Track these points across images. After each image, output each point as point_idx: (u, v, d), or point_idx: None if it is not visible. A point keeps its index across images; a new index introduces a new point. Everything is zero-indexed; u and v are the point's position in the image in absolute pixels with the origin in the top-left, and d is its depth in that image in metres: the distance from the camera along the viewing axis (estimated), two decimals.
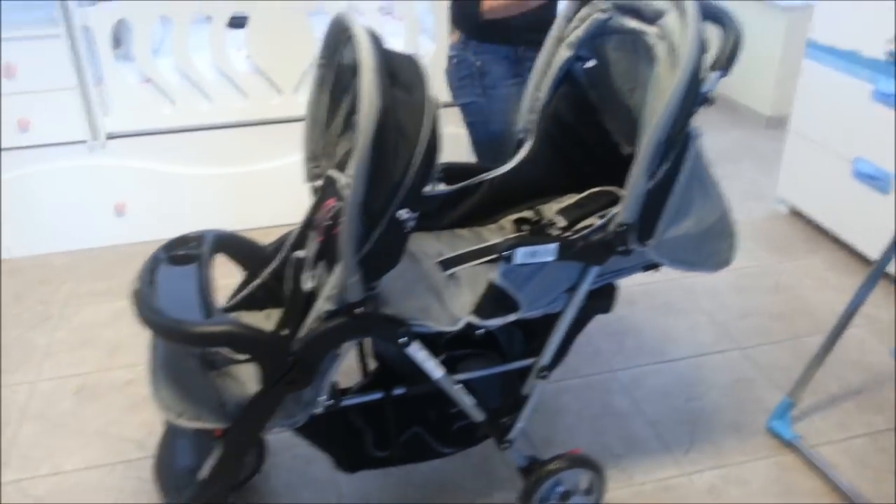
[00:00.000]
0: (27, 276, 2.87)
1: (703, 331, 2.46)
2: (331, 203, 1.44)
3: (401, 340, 1.39)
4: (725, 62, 1.35)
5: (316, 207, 1.54)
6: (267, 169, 3.02)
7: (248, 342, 1.35)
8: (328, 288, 1.32)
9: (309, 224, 1.55)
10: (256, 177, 3.03)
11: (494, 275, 1.41)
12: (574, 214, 1.60)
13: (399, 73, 1.30)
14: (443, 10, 2.65)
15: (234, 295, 1.65)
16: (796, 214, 3.16)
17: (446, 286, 1.51)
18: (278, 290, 1.61)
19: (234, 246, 1.64)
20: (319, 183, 1.54)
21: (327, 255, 1.40)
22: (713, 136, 3.97)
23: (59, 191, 2.90)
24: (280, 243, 1.63)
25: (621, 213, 1.39)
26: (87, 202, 2.94)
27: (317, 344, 1.34)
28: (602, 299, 1.60)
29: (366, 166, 1.18)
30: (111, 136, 2.85)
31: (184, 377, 1.44)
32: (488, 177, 1.71)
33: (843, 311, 1.86)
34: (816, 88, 2.90)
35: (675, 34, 1.31)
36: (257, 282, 1.63)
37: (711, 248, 1.52)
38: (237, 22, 2.79)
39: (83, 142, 2.82)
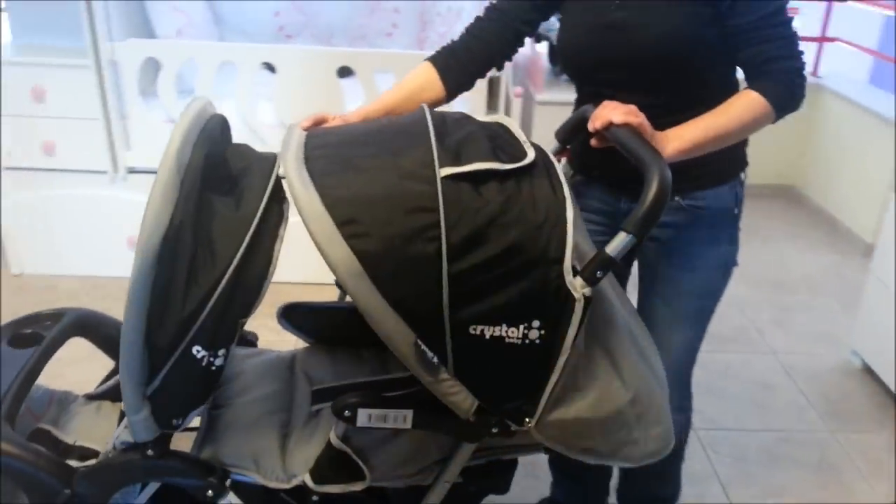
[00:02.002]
0: (31, 296, 2.87)
1: None
2: None
3: (208, 494, 1.15)
4: (637, 225, 1.01)
5: None
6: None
7: (16, 469, 1.12)
8: (128, 414, 1.10)
9: None
10: None
11: (333, 434, 1.15)
12: None
13: (235, 178, 1.08)
14: None
15: (103, 382, 1.46)
16: (869, 373, 2.63)
17: (303, 428, 1.26)
18: None
19: (97, 329, 1.42)
20: None
21: None
22: (803, 257, 3.50)
23: (77, 217, 2.88)
24: None
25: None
26: (102, 232, 2.91)
27: (98, 480, 1.14)
28: (491, 478, 1.29)
29: (143, 292, 0.98)
30: (132, 171, 2.81)
31: None
32: None
33: None
34: None
35: None
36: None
37: (626, 436, 1.13)
38: (345, 71, 2.69)
39: (104, 172, 2.80)
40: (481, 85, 2.69)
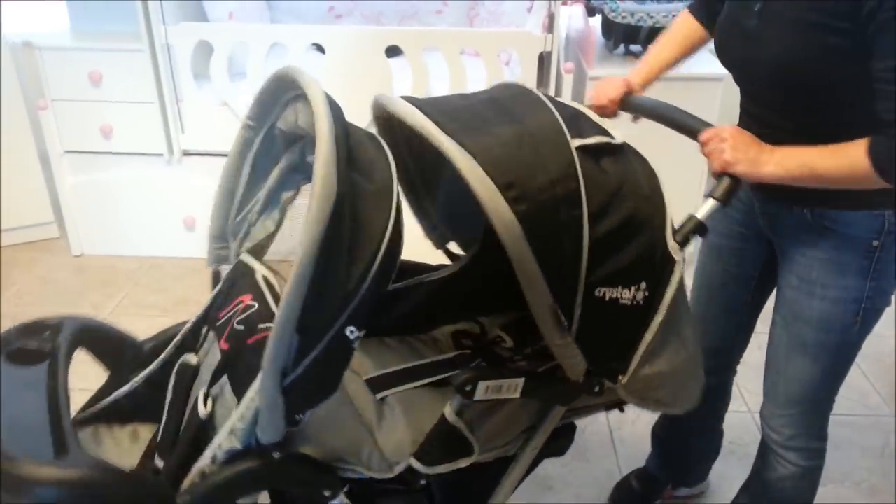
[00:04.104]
0: (92, 275, 2.96)
1: None
2: (244, 300, 1.20)
3: (326, 494, 1.13)
4: (722, 191, 1.16)
5: (221, 300, 1.29)
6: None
7: (115, 496, 0.99)
8: (234, 418, 1.06)
9: (208, 320, 1.29)
10: None
11: (449, 409, 1.15)
12: (520, 332, 1.34)
13: (358, 152, 1.04)
14: None
15: (92, 402, 1.29)
16: None
17: (379, 416, 1.25)
18: (152, 400, 1.28)
19: (99, 339, 1.27)
20: (226, 268, 1.33)
21: (233, 370, 1.14)
22: None
23: (135, 198, 2.95)
24: (163, 340, 1.32)
25: None
26: (160, 213, 2.97)
27: (216, 498, 1.06)
28: (558, 440, 1.30)
29: (310, 271, 0.91)
30: (187, 153, 2.86)
31: None
32: (426, 279, 1.43)
33: None
34: None
35: None
36: (126, 388, 1.28)
37: (683, 389, 1.22)
38: (393, 51, 2.67)
39: (160, 155, 2.85)
40: (532, 59, 2.65)
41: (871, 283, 1.29)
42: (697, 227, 1.14)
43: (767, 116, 1.27)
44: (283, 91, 1.18)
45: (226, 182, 1.28)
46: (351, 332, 0.98)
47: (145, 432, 1.28)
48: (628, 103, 1.44)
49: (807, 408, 1.44)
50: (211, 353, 1.22)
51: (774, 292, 1.46)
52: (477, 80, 2.66)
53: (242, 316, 1.17)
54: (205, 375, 1.21)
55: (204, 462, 1.08)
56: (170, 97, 2.73)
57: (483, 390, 1.11)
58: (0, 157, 2.91)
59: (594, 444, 2.14)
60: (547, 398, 1.21)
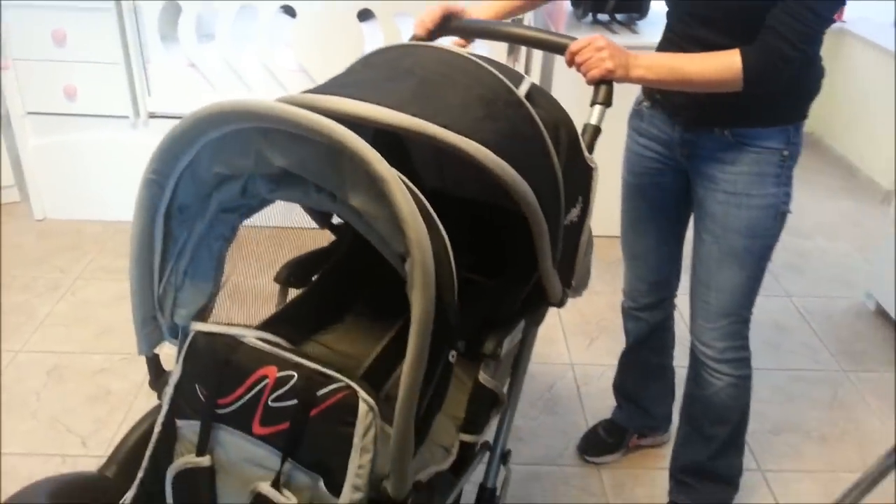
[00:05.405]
0: (57, 240, 2.92)
1: None
2: (268, 373, 1.05)
3: None
4: (603, 95, 1.30)
5: (213, 385, 1.09)
6: None
7: None
8: (346, 493, 0.98)
9: (214, 415, 1.09)
10: None
11: (483, 374, 1.20)
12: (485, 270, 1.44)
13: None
14: None
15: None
16: (883, 316, 2.67)
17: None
18: None
19: (75, 495, 1.12)
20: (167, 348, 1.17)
21: (300, 448, 1.03)
22: (820, 205, 3.50)
23: (100, 161, 2.91)
24: (124, 458, 1.17)
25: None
26: (126, 176, 2.87)
27: None
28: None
29: (430, 328, 0.89)
30: (153, 116, 2.83)
31: None
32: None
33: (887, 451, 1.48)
34: None
35: None
36: None
37: (590, 273, 1.39)
38: (365, 14, 2.69)
39: (126, 117, 2.82)
40: None
41: (783, 189, 1.48)
42: (597, 132, 1.28)
43: (710, 37, 1.35)
44: (203, 130, 1.00)
45: (138, 252, 1.10)
46: (452, 356, 1.00)
47: None
48: (456, 28, 1.46)
49: (734, 318, 1.57)
50: (233, 447, 1.08)
51: (693, 217, 1.62)
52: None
53: (282, 391, 1.04)
54: (240, 470, 1.08)
55: None
56: (136, 58, 2.69)
57: (507, 344, 1.20)
58: None
59: (562, 399, 2.22)
60: (532, 324, 1.33)
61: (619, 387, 1.99)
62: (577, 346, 2.47)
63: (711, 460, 1.71)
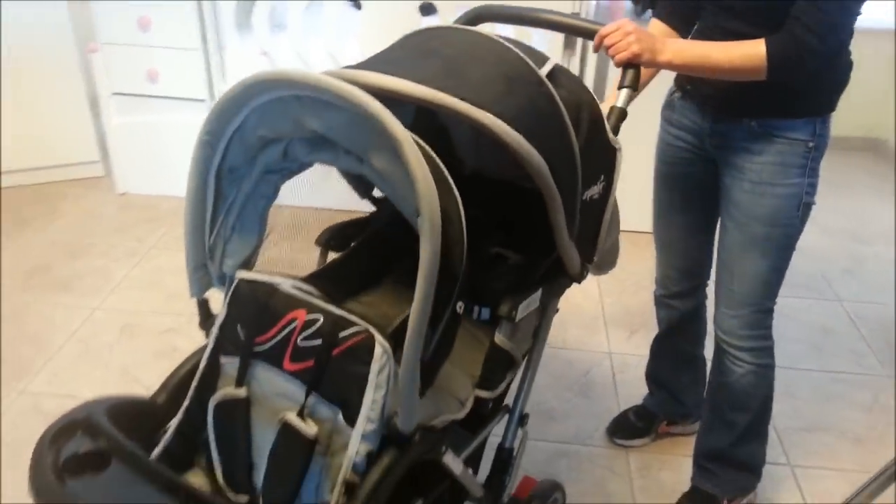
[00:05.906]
0: (136, 213, 3.15)
1: None
2: (298, 316, 1.15)
3: (443, 450, 1.20)
4: (630, 79, 1.36)
5: (250, 326, 1.19)
6: None
7: None
8: (361, 423, 1.07)
9: (237, 351, 1.19)
10: None
11: (499, 336, 1.27)
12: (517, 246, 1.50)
13: None
14: None
15: None
16: None
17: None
18: (185, 450, 1.24)
19: (127, 415, 1.17)
20: (215, 293, 1.26)
21: (324, 384, 1.12)
22: (883, 210, 3.43)
23: (177, 141, 3.08)
24: (173, 387, 1.25)
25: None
26: None
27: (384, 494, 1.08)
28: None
29: (435, 275, 0.96)
30: None
31: None
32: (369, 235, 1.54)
33: None
34: None
35: None
36: (157, 450, 1.20)
37: (617, 253, 1.46)
38: (428, 9, 2.79)
39: (202, 101, 3.01)
40: None
41: (808, 180, 1.50)
42: (623, 115, 1.33)
43: (740, 28, 1.39)
44: (250, 96, 1.08)
45: (192, 207, 1.20)
46: (459, 306, 1.05)
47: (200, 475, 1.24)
48: (490, 14, 1.54)
49: (756, 307, 1.60)
50: (266, 381, 1.18)
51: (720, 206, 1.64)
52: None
53: (309, 331, 1.14)
54: (272, 402, 1.17)
55: (343, 475, 1.08)
56: (213, 45, 2.88)
57: (522, 310, 1.25)
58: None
59: (597, 385, 2.28)
60: (552, 295, 1.38)
61: (651, 373, 2.04)
62: (617, 336, 2.52)
63: (733, 447, 1.74)
